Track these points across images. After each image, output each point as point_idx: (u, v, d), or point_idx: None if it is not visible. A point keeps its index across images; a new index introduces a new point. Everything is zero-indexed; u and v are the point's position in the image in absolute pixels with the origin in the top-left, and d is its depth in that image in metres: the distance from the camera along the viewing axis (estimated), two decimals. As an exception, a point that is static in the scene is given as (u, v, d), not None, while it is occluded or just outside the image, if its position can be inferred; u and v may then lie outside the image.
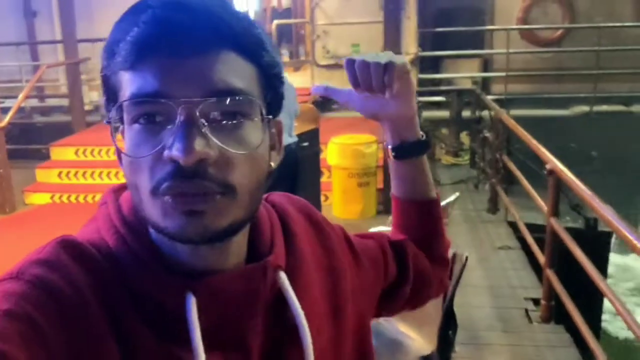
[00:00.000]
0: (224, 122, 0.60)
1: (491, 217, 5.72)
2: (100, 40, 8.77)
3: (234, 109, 0.61)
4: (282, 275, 0.71)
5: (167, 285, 0.64)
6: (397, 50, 6.52)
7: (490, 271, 4.57)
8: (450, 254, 2.63)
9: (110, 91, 0.64)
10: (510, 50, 8.50)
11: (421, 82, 8.67)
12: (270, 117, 0.66)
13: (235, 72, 0.61)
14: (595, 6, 9.13)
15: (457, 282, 2.42)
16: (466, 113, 7.91)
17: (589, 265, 3.00)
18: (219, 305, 0.65)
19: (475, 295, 4.11)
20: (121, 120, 0.63)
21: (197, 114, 0.59)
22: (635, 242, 2.29)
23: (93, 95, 9.07)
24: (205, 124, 0.59)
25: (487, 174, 6.16)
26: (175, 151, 0.58)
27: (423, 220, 0.97)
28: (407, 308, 0.99)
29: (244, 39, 0.63)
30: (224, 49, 0.61)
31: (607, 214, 2.68)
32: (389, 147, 0.92)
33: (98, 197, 5.73)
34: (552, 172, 3.58)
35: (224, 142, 0.60)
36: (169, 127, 0.59)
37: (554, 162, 3.58)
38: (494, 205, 5.81)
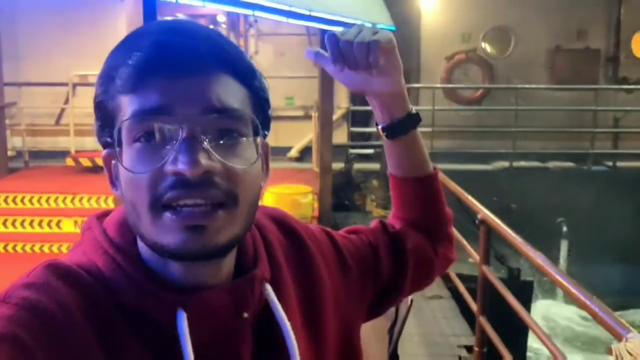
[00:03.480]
0: (224, 138, 0.63)
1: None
2: (27, 84, 8.56)
3: (231, 126, 0.64)
4: (268, 288, 0.73)
5: (158, 302, 0.65)
6: (330, 104, 6.73)
7: (423, 320, 4.66)
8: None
9: (107, 116, 0.66)
10: (436, 108, 8.93)
11: (352, 136, 8.93)
12: (262, 137, 0.69)
13: (232, 93, 0.65)
14: (512, 69, 9.80)
15: (402, 326, 2.47)
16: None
17: (521, 309, 3.14)
18: (209, 320, 0.66)
19: (410, 344, 4.18)
20: (119, 143, 0.64)
21: (198, 129, 0.61)
22: (568, 285, 2.43)
23: (16, 141, 8.73)
24: (206, 139, 0.62)
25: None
26: (180, 165, 0.60)
27: (422, 196, 0.95)
28: (410, 294, 1.00)
29: (239, 64, 0.67)
30: (221, 71, 0.64)
31: (539, 260, 2.83)
32: (379, 127, 0.90)
33: (23, 246, 5.39)
34: (483, 222, 3.75)
35: (224, 157, 0.63)
36: (169, 145, 0.62)
37: (484, 213, 3.76)
38: (424, 255, 5.96)
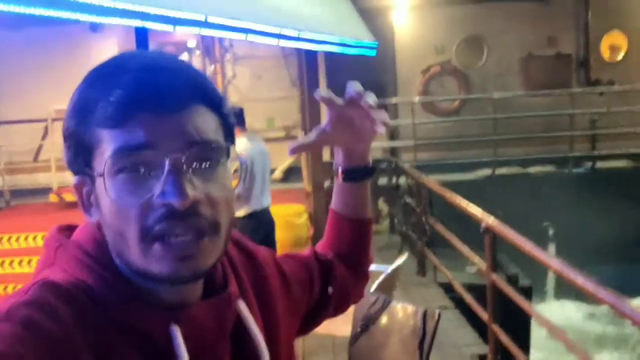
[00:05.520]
0: (204, 168, 0.68)
1: (422, 279, 5.86)
2: (4, 122, 8.40)
3: (210, 156, 0.68)
4: (242, 304, 0.79)
5: (152, 318, 0.69)
6: (318, 123, 6.72)
7: (431, 332, 4.64)
8: (419, 313, 2.66)
9: (82, 147, 0.69)
10: (416, 121, 9.01)
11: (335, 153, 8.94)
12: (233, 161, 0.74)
13: (208, 124, 0.69)
14: (487, 78, 9.97)
15: (432, 340, 2.45)
16: (382, 181, 8.19)
17: (539, 316, 3.15)
18: (198, 334, 0.71)
19: (422, 357, 4.14)
20: (105, 174, 0.66)
21: (183, 162, 0.65)
22: (584, 284, 2.44)
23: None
24: (189, 171, 0.66)
25: (410, 238, 6.35)
26: (169, 197, 0.64)
27: (357, 235, 1.05)
28: (326, 319, 1.07)
29: (210, 94, 0.71)
30: (197, 104, 0.69)
31: (552, 263, 2.85)
32: (339, 169, 1.00)
33: (14, 286, 5.26)
34: (488, 230, 3.77)
35: (206, 186, 0.67)
36: (154, 177, 0.65)
37: (488, 220, 3.77)
38: (422, 268, 5.97)
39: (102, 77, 0.68)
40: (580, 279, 2.58)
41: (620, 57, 10.21)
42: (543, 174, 9.13)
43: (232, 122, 0.75)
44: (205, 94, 0.70)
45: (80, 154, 0.69)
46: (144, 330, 0.68)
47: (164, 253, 0.65)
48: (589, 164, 9.39)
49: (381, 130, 0.91)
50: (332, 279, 1.01)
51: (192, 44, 10.44)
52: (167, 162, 0.65)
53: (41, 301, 0.64)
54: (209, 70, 10.04)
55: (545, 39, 10.06)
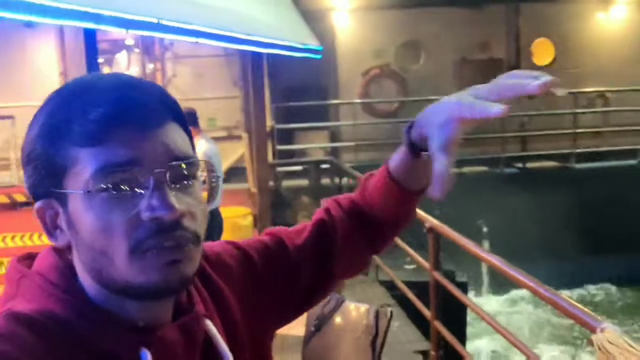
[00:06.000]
0: (184, 183, 0.70)
1: (365, 278, 6.00)
2: None
3: (188, 172, 0.70)
4: (208, 322, 0.79)
5: (121, 342, 0.68)
6: (262, 124, 6.76)
7: (374, 330, 4.77)
8: (372, 312, 2.76)
9: (52, 168, 0.68)
10: (356, 122, 9.17)
11: (278, 154, 9.01)
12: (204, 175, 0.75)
13: (182, 139, 0.72)
14: (423, 82, 10.25)
15: (385, 338, 2.55)
16: (325, 181, 8.31)
17: (482, 313, 3.31)
18: (170, 356, 0.71)
19: (367, 354, 4.26)
20: (69, 194, 0.67)
21: (166, 177, 0.67)
22: (531, 284, 2.60)
23: None
24: (172, 185, 0.68)
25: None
26: (159, 211, 0.66)
27: (404, 207, 0.95)
28: (340, 279, 1.01)
29: (178, 110, 0.74)
30: (170, 120, 0.71)
31: (493, 259, 3.01)
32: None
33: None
34: (431, 230, 3.92)
35: (186, 200, 0.69)
36: (138, 191, 0.66)
37: (431, 221, 3.92)
38: (365, 267, 6.10)
39: (72, 97, 0.68)
40: (515, 273, 2.74)
41: (548, 62, 10.74)
42: (476, 174, 9.49)
43: (191, 135, 0.76)
44: (175, 111, 0.73)
45: (47, 177, 0.69)
46: (114, 355, 0.68)
47: (155, 261, 0.66)
48: (519, 164, 9.84)
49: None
50: (333, 239, 0.96)
51: (130, 42, 10.22)
52: (152, 178, 0.66)
53: (8, 332, 0.63)
54: (148, 69, 9.86)
55: (478, 44, 10.46)
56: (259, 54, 5.63)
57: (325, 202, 1.02)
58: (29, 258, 0.74)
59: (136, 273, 0.67)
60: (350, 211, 0.98)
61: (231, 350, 0.79)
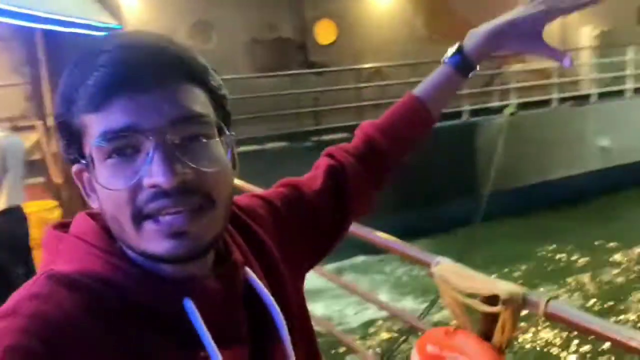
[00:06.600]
0: (192, 143, 0.67)
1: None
2: None
3: (197, 131, 0.67)
4: (248, 270, 0.78)
5: (163, 294, 0.69)
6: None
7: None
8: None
9: (73, 135, 0.68)
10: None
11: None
12: (227, 134, 0.73)
13: (192, 99, 0.68)
14: (216, 61, 10.01)
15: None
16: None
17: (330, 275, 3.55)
18: (213, 306, 0.71)
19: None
20: (93, 162, 0.67)
21: (168, 140, 0.65)
22: (363, 234, 2.86)
23: None
24: (176, 148, 0.65)
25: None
26: (157, 177, 0.63)
27: (422, 127, 1.07)
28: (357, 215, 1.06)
29: (193, 68, 0.70)
30: (179, 79, 0.67)
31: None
32: (459, 57, 1.02)
33: None
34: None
35: (196, 162, 0.66)
36: (141, 156, 0.65)
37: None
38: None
39: (80, 61, 0.67)
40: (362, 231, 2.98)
41: (331, 41, 11.47)
42: (278, 150, 9.86)
43: (223, 93, 0.74)
44: (188, 70, 0.68)
45: (72, 143, 0.69)
46: (158, 309, 0.68)
47: (155, 231, 0.65)
48: (315, 138, 10.44)
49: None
50: (346, 182, 1.00)
51: None
52: (152, 142, 0.64)
53: (46, 292, 0.63)
54: None
55: (267, 24, 10.79)
56: (52, 34, 5.23)
57: (327, 151, 1.08)
58: (63, 226, 0.74)
59: (145, 242, 0.66)
60: (357, 154, 1.05)
61: (272, 289, 0.80)
